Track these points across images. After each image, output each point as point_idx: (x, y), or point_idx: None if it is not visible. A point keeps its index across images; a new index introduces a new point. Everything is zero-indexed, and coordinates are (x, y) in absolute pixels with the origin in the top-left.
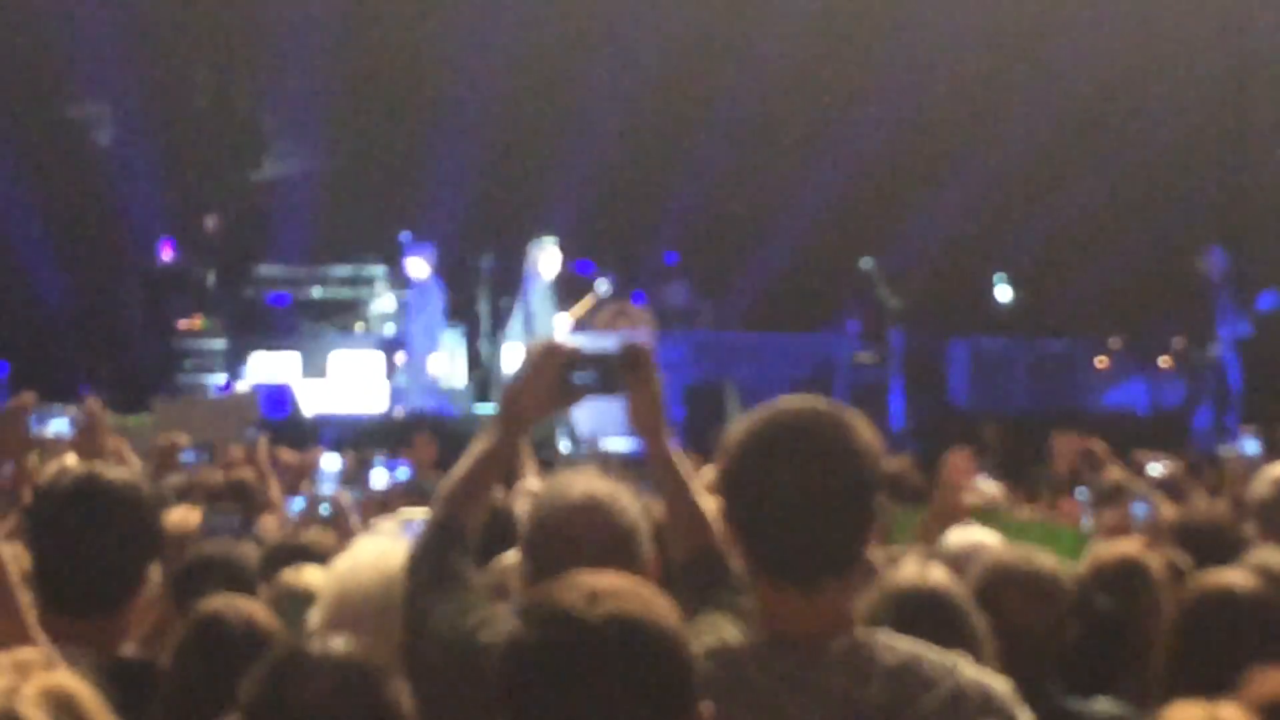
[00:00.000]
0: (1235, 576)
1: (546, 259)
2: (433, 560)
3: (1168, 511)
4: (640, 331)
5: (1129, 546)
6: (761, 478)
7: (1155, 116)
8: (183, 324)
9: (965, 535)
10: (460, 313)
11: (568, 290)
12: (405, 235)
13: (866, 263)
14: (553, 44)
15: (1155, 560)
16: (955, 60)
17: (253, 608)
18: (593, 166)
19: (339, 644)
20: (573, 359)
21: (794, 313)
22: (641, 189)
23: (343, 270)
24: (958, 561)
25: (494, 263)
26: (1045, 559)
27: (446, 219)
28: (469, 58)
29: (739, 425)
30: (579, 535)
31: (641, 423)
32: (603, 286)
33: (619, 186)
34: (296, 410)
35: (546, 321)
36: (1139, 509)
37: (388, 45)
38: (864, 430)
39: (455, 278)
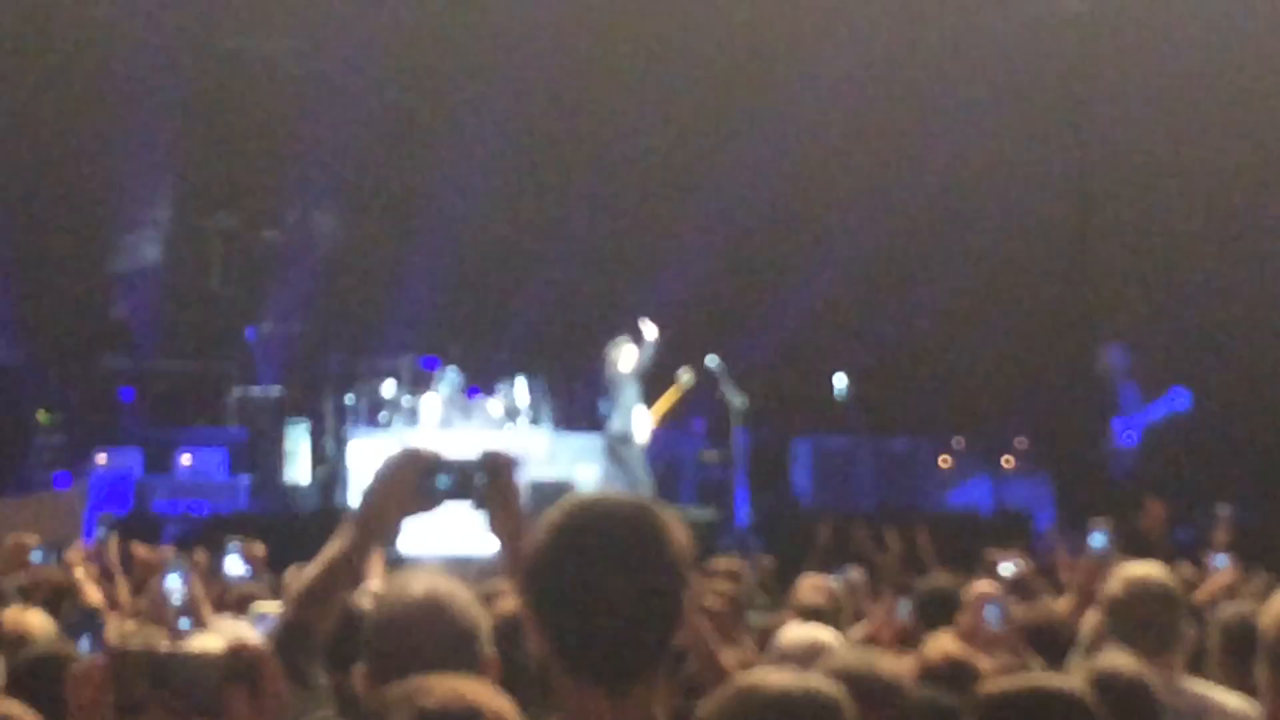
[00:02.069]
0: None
1: (625, 356)
2: (281, 659)
3: (1018, 612)
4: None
5: (952, 645)
6: (569, 574)
7: (997, 216)
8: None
9: (801, 633)
10: (305, 409)
11: (415, 380)
12: (251, 332)
13: (712, 361)
14: (402, 148)
15: (983, 660)
16: (798, 161)
17: None
18: (440, 267)
19: None
20: (433, 465)
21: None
22: (489, 288)
23: (191, 366)
24: (796, 659)
25: (340, 361)
26: (885, 662)
27: (293, 317)
28: (321, 155)
29: (547, 519)
30: (419, 634)
31: (501, 530)
32: (685, 376)
33: (467, 286)
34: (141, 504)
35: (631, 417)
36: (991, 613)
37: (234, 136)
38: (675, 527)
39: (301, 375)
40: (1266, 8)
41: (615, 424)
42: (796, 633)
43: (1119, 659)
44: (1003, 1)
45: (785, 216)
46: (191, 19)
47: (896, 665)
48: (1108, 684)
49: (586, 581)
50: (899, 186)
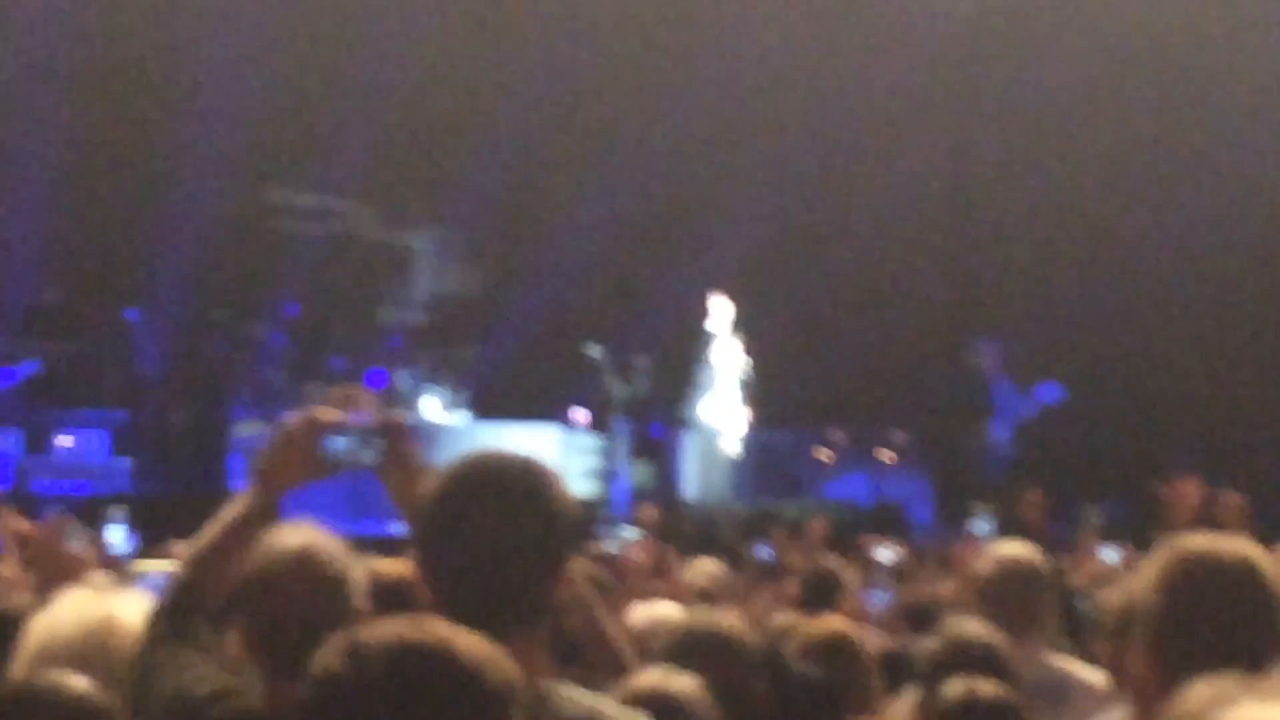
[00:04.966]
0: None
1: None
2: (172, 619)
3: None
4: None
5: (836, 622)
6: (453, 526)
7: (873, 212)
8: None
9: (648, 611)
10: (190, 392)
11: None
12: (133, 312)
13: (594, 350)
14: (269, 139)
15: (868, 638)
16: (682, 150)
17: None
18: (315, 248)
19: (72, 681)
20: (330, 429)
21: (521, 401)
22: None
23: (72, 347)
24: (643, 637)
25: (226, 344)
26: (730, 620)
27: (179, 299)
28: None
29: (436, 474)
30: (290, 588)
31: (400, 498)
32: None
33: (350, 268)
34: (20, 485)
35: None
36: (876, 597)
37: (109, 123)
38: (559, 486)
39: (185, 358)
40: (1137, 13)
41: None
42: (644, 611)
43: (970, 625)
44: (884, 2)
45: (667, 210)
46: None
47: (738, 623)
48: (959, 648)
49: (468, 530)
50: (776, 182)
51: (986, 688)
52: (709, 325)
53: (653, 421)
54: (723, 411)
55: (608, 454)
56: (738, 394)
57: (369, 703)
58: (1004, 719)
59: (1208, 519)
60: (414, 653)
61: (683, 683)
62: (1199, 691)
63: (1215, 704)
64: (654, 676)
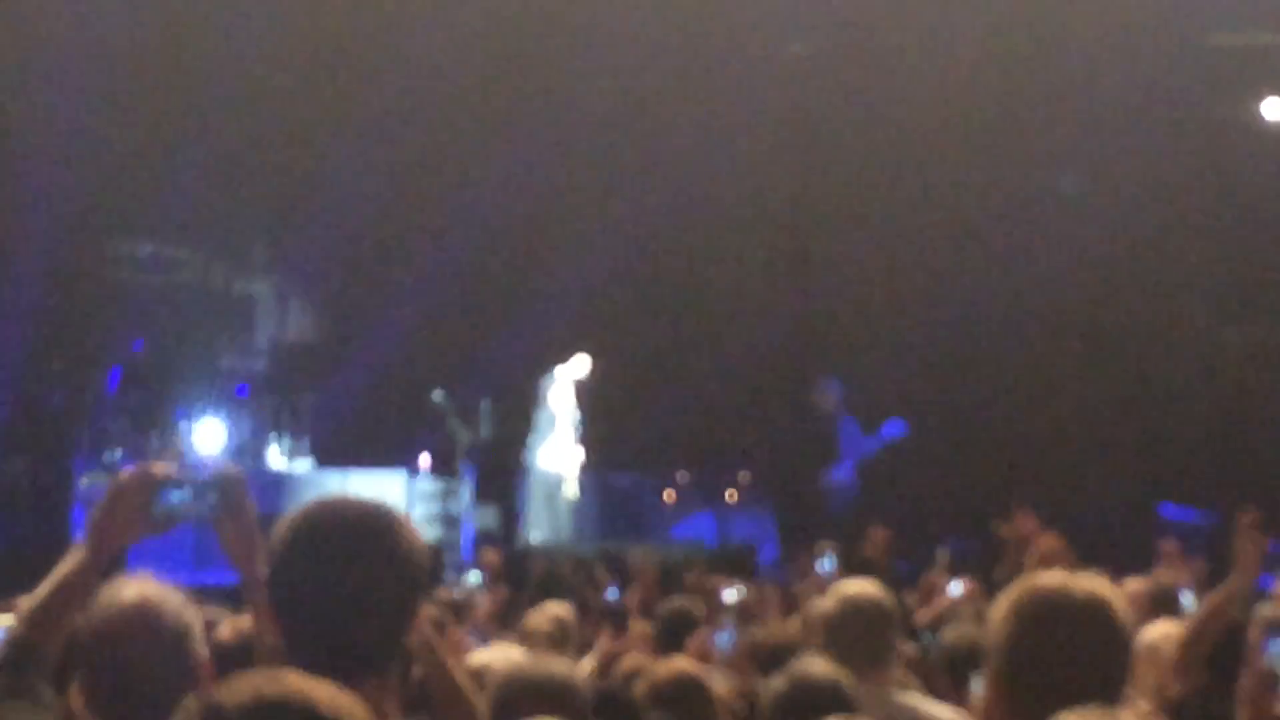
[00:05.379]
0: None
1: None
2: (9, 676)
3: (746, 636)
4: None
5: (683, 664)
6: (300, 572)
7: (716, 251)
8: None
9: (484, 655)
10: (25, 442)
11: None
12: None
13: (438, 396)
14: (108, 188)
15: (716, 679)
16: (524, 192)
17: None
18: (156, 297)
19: None
20: (164, 483)
21: (365, 447)
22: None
23: None
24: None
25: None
26: (559, 664)
27: (17, 350)
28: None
29: (286, 521)
30: (130, 641)
31: (234, 550)
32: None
33: (191, 316)
34: None
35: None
36: (722, 637)
37: None
38: (408, 531)
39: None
40: (977, 55)
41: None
42: (482, 655)
43: (814, 663)
44: (727, 43)
45: (510, 256)
46: None
47: (569, 667)
48: (806, 688)
49: (316, 576)
50: (618, 226)
51: (819, 667)
52: (546, 370)
53: (497, 466)
54: (560, 455)
55: (453, 498)
56: (573, 437)
57: None
58: (836, 697)
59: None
60: (273, 708)
61: None
62: None
63: None
64: None
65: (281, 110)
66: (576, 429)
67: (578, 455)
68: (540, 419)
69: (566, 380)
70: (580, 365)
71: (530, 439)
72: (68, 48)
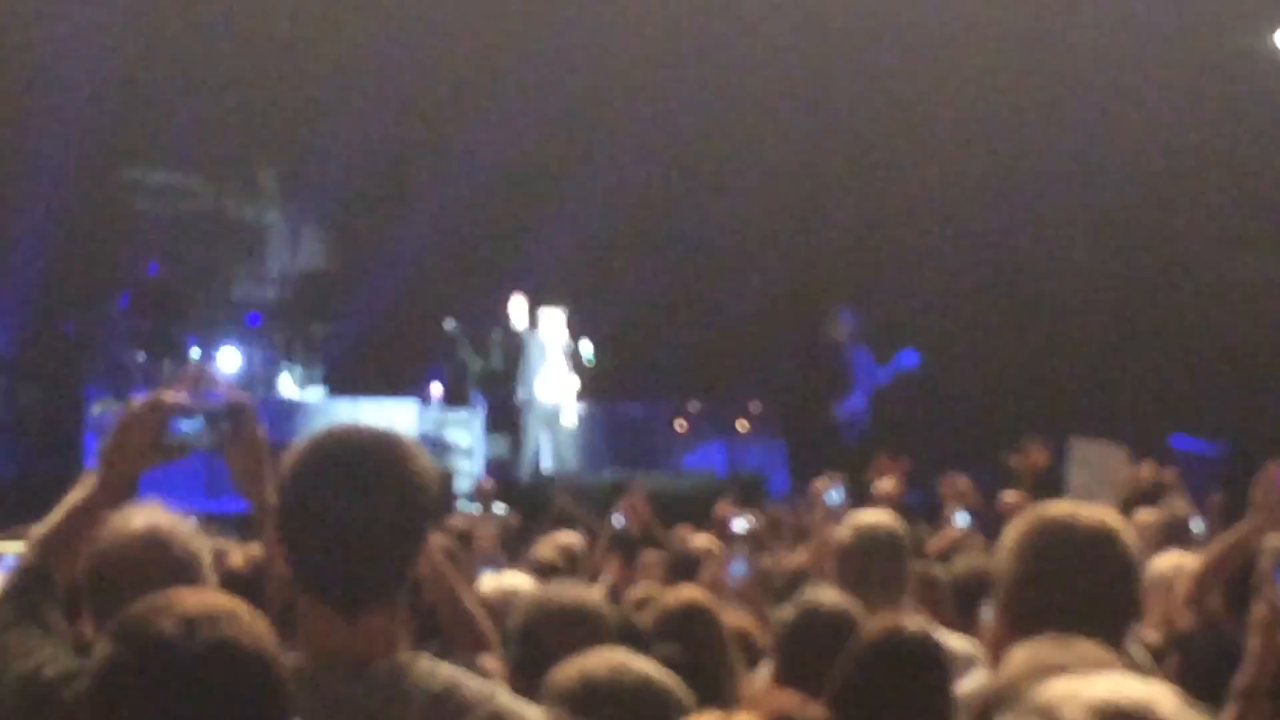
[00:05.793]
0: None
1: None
2: (19, 603)
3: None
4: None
5: (692, 593)
6: (309, 501)
7: (731, 186)
8: None
9: (498, 581)
10: (40, 371)
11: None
12: None
13: (449, 324)
14: (120, 117)
15: (726, 610)
16: (540, 121)
17: None
18: (168, 225)
19: None
20: (175, 411)
21: (377, 376)
22: None
23: None
24: (494, 609)
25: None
26: (583, 592)
27: (30, 279)
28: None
29: (295, 448)
30: (140, 567)
31: (244, 479)
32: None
33: (203, 245)
34: None
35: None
36: (736, 568)
37: None
38: (418, 459)
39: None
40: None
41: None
42: (493, 581)
43: (823, 593)
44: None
45: (523, 184)
46: None
47: (589, 593)
48: (816, 617)
49: (325, 505)
50: (641, 156)
51: (828, 596)
52: (541, 306)
53: (508, 396)
54: (556, 385)
55: (464, 427)
56: (567, 366)
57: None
58: (845, 627)
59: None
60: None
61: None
62: (1019, 659)
63: (1033, 675)
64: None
65: (294, 40)
66: (569, 359)
67: (573, 385)
68: (533, 350)
69: (555, 316)
70: (555, 317)
71: (524, 371)
72: None
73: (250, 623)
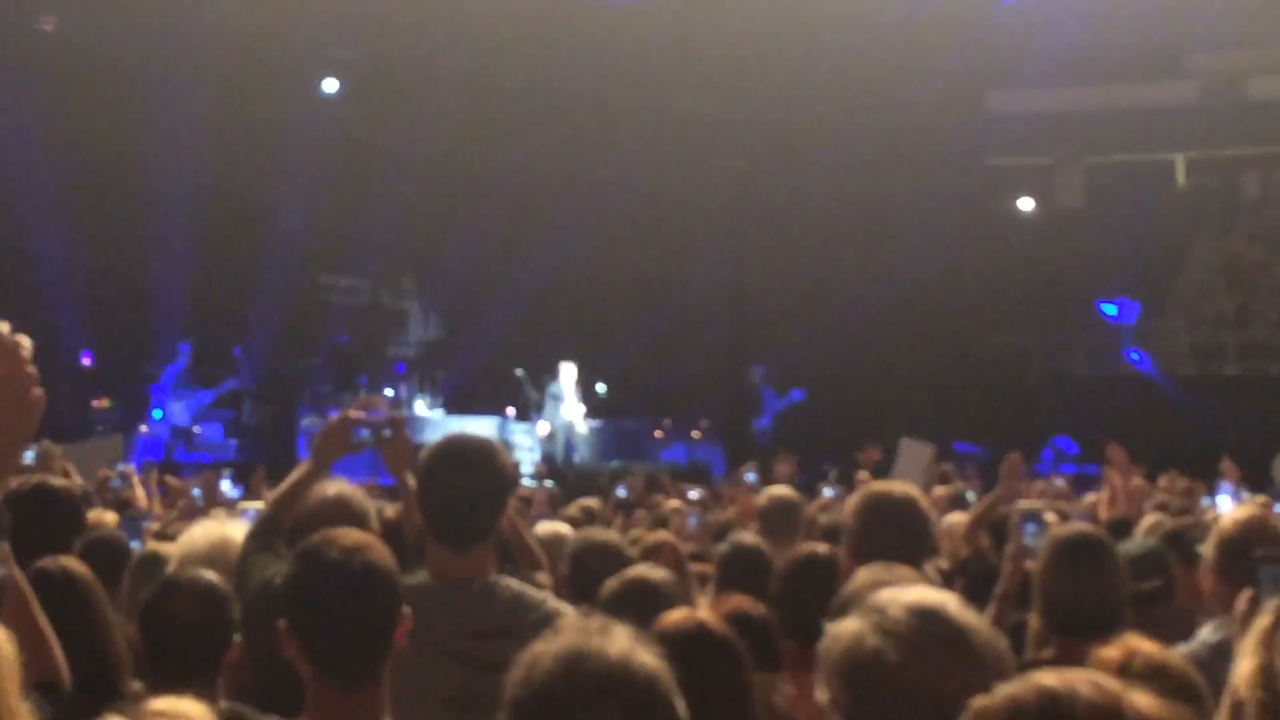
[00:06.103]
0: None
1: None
2: (260, 538)
3: (706, 520)
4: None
5: (664, 535)
6: (438, 478)
7: (677, 274)
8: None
9: (548, 528)
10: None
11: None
12: (237, 350)
13: (519, 372)
14: (322, 238)
15: (683, 545)
16: (580, 250)
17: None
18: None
19: (205, 574)
20: (355, 424)
21: (475, 402)
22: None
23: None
24: (545, 544)
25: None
26: (609, 534)
27: (266, 342)
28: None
29: (428, 448)
30: (329, 519)
31: (394, 466)
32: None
33: (371, 322)
34: (168, 455)
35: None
36: (692, 521)
37: (222, 231)
38: (500, 453)
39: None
40: (855, 156)
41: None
42: (544, 528)
43: (748, 537)
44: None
45: (513, 231)
46: None
47: (611, 534)
48: (741, 552)
49: (447, 480)
50: (634, 262)
51: (749, 539)
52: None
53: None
54: (573, 409)
55: (526, 434)
56: (577, 398)
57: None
58: (760, 559)
59: (884, 469)
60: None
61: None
62: (860, 576)
63: (871, 586)
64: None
65: (420, 198)
66: (578, 395)
67: (580, 410)
68: (556, 390)
69: (569, 369)
70: (569, 370)
71: (552, 404)
72: (300, 145)
73: (382, 551)
